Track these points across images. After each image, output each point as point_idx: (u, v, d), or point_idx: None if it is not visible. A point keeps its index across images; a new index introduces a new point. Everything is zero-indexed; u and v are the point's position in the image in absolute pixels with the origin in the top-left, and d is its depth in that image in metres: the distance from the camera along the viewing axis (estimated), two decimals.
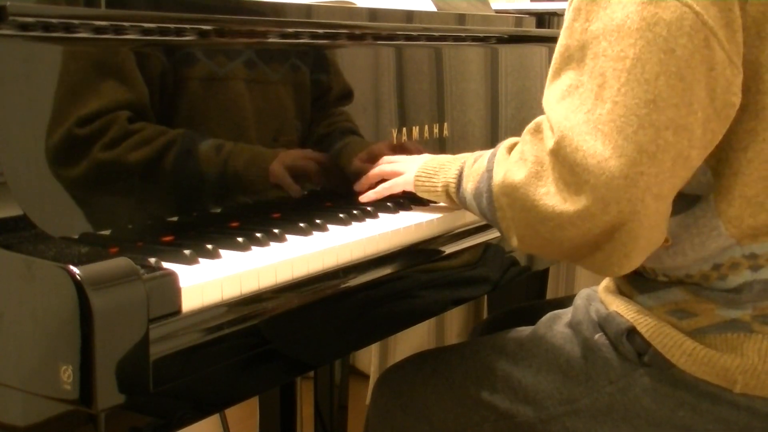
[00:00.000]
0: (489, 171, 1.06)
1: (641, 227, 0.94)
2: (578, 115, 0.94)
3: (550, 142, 0.96)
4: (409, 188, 1.26)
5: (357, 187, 1.33)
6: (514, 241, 1.03)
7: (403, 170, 1.28)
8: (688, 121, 0.92)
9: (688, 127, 0.92)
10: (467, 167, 1.13)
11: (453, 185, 1.16)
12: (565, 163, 0.94)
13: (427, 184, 1.21)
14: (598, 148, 0.92)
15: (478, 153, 1.14)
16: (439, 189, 1.18)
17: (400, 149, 1.41)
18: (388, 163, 1.32)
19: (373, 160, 1.37)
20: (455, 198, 1.16)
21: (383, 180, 1.31)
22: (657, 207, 0.94)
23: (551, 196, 0.96)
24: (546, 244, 1.00)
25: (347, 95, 1.35)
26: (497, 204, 1.03)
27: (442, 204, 1.32)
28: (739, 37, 0.94)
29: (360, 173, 1.34)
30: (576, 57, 0.97)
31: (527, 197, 0.98)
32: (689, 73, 0.91)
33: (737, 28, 0.94)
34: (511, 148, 1.05)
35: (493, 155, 1.07)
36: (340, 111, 1.35)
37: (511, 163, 1.01)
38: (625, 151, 0.91)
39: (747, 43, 0.96)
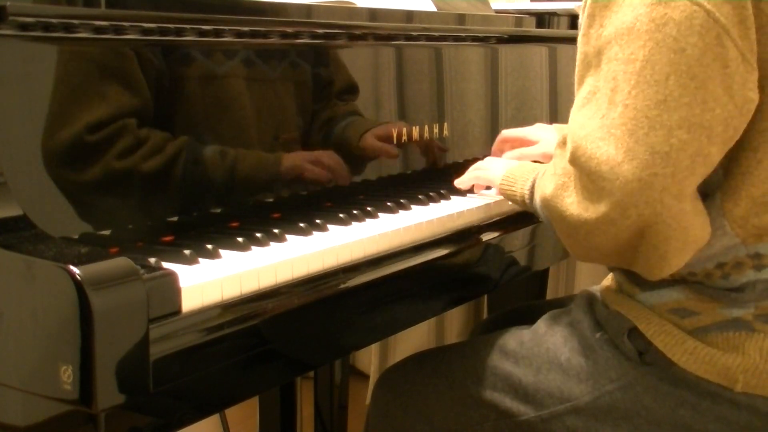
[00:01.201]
0: None
1: (668, 228, 0.94)
2: (593, 122, 0.95)
3: (567, 153, 0.98)
4: (494, 186, 1.30)
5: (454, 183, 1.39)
6: (568, 249, 1.07)
7: (491, 175, 1.31)
8: (704, 118, 0.91)
9: (705, 124, 0.92)
10: (539, 178, 1.14)
11: (528, 196, 1.18)
12: (583, 171, 0.95)
13: (508, 192, 1.23)
14: (611, 153, 0.92)
15: (550, 163, 1.15)
16: (518, 198, 1.21)
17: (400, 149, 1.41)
18: (480, 170, 1.35)
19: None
20: (530, 209, 1.19)
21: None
22: (681, 207, 0.94)
23: (576, 205, 0.98)
24: (589, 251, 1.03)
25: (347, 95, 1.35)
26: (544, 217, 1.09)
27: (441, 204, 1.32)
28: (753, 34, 0.94)
29: (361, 172, 1.34)
30: (593, 63, 0.98)
31: (557, 208, 1.01)
32: (701, 72, 0.91)
33: (750, 26, 0.94)
34: None
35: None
36: (341, 111, 1.35)
37: (547, 177, 1.05)
38: (636, 154, 0.91)
39: (761, 41, 0.95)
